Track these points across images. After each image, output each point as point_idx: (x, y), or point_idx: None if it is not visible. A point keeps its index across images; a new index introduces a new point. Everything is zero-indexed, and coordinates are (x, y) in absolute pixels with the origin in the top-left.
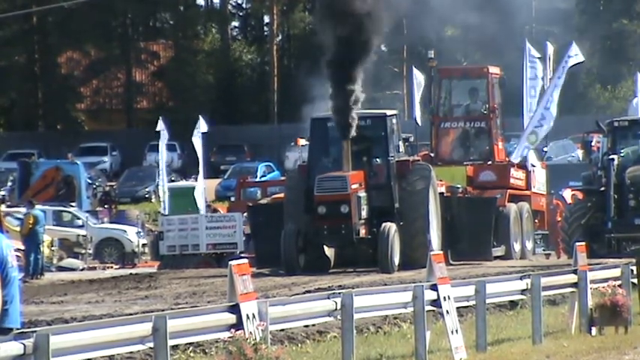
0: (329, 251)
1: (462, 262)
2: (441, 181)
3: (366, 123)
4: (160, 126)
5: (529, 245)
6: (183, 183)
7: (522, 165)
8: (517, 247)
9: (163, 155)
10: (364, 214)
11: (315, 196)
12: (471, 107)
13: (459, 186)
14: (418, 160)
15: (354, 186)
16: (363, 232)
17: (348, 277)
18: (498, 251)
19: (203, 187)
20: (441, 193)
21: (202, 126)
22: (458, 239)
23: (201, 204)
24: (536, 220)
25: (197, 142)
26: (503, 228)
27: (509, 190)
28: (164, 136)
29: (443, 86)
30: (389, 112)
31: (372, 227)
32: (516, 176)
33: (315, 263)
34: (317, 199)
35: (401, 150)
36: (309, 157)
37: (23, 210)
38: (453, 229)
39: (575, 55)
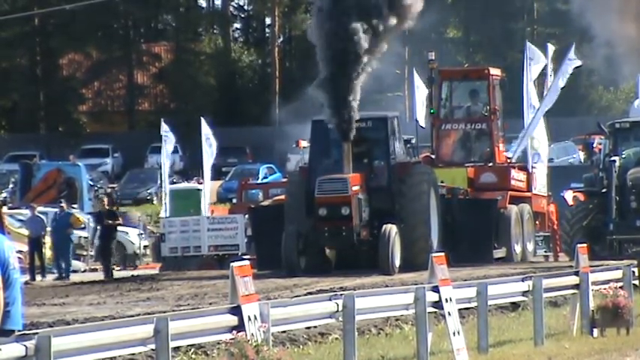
0: (330, 253)
1: (463, 264)
2: (442, 182)
3: (367, 125)
4: (165, 129)
5: (530, 247)
6: (185, 185)
7: (523, 166)
8: (518, 248)
9: (166, 158)
10: (365, 215)
11: (315, 197)
12: (471, 109)
13: (460, 188)
14: (419, 162)
15: (354, 188)
16: (363, 233)
17: (349, 278)
18: (499, 253)
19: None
20: (442, 195)
21: (204, 128)
22: (459, 241)
23: (205, 206)
24: (537, 222)
25: (205, 144)
26: (504, 230)
27: (509, 192)
28: (170, 139)
29: (443, 88)
30: (390, 114)
31: (372, 229)
32: (517, 178)
33: (315, 265)
34: (318, 200)
35: (402, 152)
36: (309, 159)
37: (25, 212)
38: (454, 231)
39: (574, 59)
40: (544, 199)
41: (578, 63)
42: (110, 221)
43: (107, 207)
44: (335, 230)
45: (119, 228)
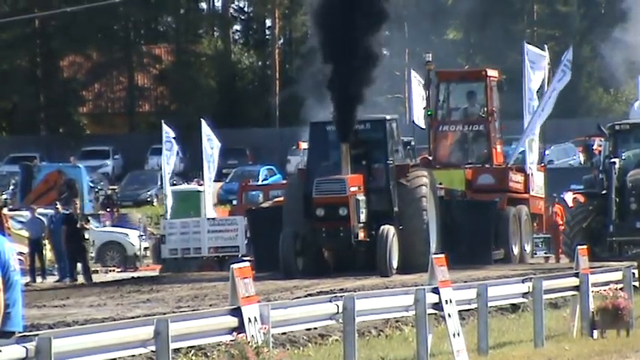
0: (328, 255)
1: (461, 266)
2: (440, 184)
3: (366, 127)
4: (168, 132)
5: (528, 248)
6: (185, 186)
7: (521, 168)
8: (516, 250)
9: (171, 160)
10: (363, 217)
11: (313, 198)
12: (469, 110)
13: (457, 190)
14: (418, 165)
15: (352, 189)
16: (361, 235)
17: (349, 280)
18: (497, 254)
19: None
20: (441, 197)
21: (205, 130)
22: (458, 243)
23: (210, 207)
24: (534, 223)
25: (207, 146)
26: (502, 231)
27: (507, 194)
28: (172, 145)
29: (441, 89)
30: (388, 117)
31: (370, 230)
32: (515, 179)
33: (313, 267)
34: (315, 201)
35: (400, 154)
36: (308, 160)
37: (25, 213)
38: (453, 233)
39: (568, 67)
40: (542, 200)
41: (567, 79)
42: (84, 223)
43: (79, 210)
44: (332, 231)
45: (120, 230)
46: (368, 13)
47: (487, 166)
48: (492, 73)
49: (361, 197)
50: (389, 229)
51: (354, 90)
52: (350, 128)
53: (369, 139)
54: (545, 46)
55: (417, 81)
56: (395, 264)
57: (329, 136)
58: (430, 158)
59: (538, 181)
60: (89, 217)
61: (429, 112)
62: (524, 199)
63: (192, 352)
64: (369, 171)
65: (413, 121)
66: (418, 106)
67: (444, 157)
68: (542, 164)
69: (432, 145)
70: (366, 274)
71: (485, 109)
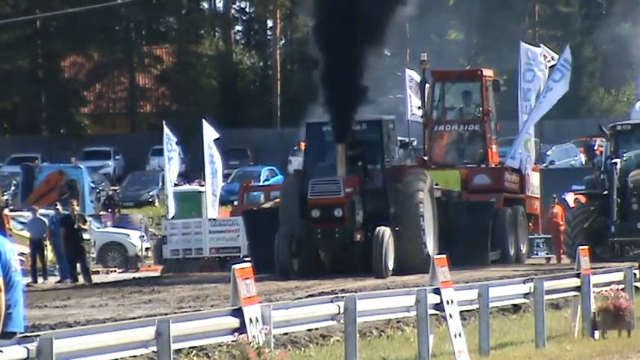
0: (323, 256)
1: (459, 267)
2: (437, 185)
3: (362, 127)
4: (169, 136)
5: (524, 249)
6: (186, 187)
7: (516, 168)
8: (512, 250)
9: (174, 161)
10: (359, 218)
11: (309, 199)
12: (464, 110)
13: (454, 190)
14: (415, 165)
15: (348, 190)
16: (357, 236)
17: (350, 280)
18: (494, 255)
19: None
20: (437, 198)
21: (210, 131)
22: (455, 244)
23: (212, 208)
24: (530, 224)
25: (212, 146)
26: (498, 232)
27: (503, 194)
28: (169, 141)
29: (436, 89)
30: (385, 117)
31: (367, 232)
32: (510, 180)
33: (309, 268)
34: (311, 202)
35: (398, 155)
36: (304, 161)
37: (26, 214)
38: (450, 234)
39: (553, 58)
40: (537, 200)
41: (565, 83)
42: (81, 224)
43: (76, 212)
44: (328, 232)
45: (121, 230)
46: (367, 9)
47: (483, 166)
48: (488, 72)
49: (357, 198)
50: (385, 231)
51: (351, 90)
52: (346, 129)
53: (366, 140)
54: (542, 46)
55: (411, 79)
56: (391, 265)
57: (325, 137)
58: (425, 158)
59: (534, 181)
60: (86, 218)
61: (421, 116)
62: (520, 200)
63: (194, 352)
64: (365, 172)
65: (408, 120)
66: (414, 105)
67: (440, 157)
68: (544, 164)
69: (428, 145)
70: (361, 276)
71: (481, 109)
